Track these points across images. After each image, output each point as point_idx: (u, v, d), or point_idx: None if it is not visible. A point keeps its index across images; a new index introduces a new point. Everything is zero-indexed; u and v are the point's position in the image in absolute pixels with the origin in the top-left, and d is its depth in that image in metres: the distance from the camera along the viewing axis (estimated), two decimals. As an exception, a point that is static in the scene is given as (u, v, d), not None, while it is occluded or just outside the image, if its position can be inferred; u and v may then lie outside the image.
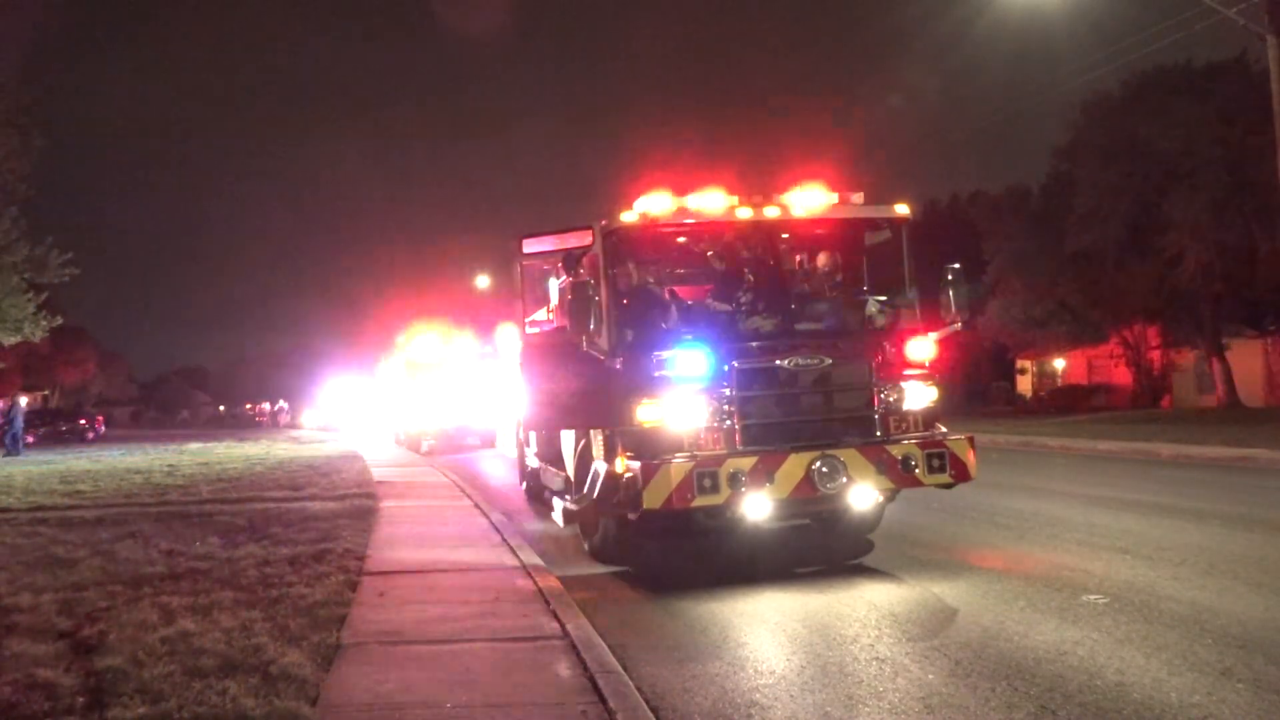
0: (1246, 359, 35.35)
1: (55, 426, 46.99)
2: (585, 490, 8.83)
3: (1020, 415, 37.76)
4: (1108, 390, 41.10)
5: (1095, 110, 33.29)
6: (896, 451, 8.02)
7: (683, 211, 8.43)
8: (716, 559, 9.20)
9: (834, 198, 8.69)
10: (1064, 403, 39.84)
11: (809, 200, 8.61)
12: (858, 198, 8.77)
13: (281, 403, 73.50)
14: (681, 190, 8.46)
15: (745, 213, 8.52)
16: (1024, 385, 47.85)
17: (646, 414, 7.97)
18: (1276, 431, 19.73)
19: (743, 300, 8.90)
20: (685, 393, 7.95)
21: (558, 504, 9.18)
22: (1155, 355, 39.28)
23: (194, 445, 33.86)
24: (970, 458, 8.26)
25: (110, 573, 8.44)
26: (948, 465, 8.12)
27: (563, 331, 9.02)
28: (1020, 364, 47.44)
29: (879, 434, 8.23)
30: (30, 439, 42.86)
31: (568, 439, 10.41)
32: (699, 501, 7.65)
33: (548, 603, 7.25)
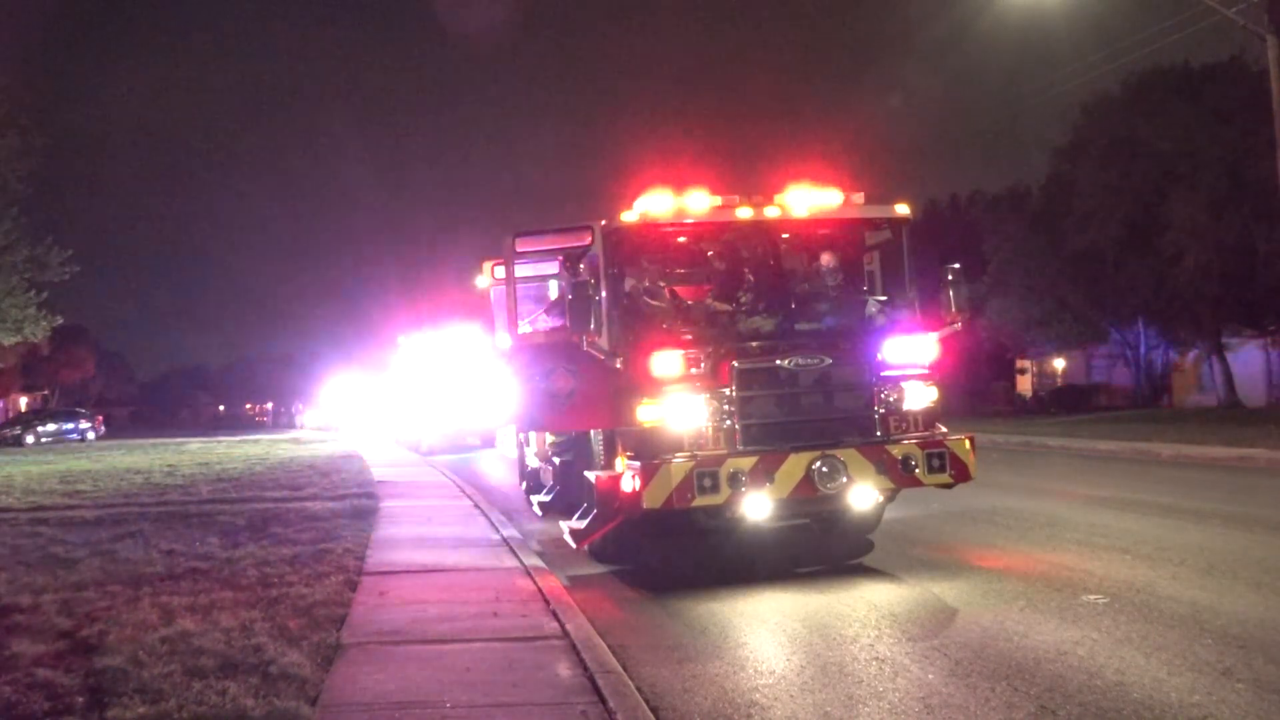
0: (1246, 359, 35.35)
1: (55, 426, 46.90)
2: (585, 504, 8.83)
3: (1020, 415, 37.75)
4: (1108, 390, 41.08)
5: (1095, 110, 33.27)
6: (896, 451, 8.01)
7: (683, 211, 8.42)
8: (716, 559, 9.19)
9: (834, 197, 8.68)
10: (1064, 402, 39.82)
11: (809, 200, 8.61)
12: (858, 198, 8.76)
13: (298, 405, 73.34)
14: (682, 190, 8.45)
15: (745, 213, 8.52)
16: (1024, 385, 47.83)
17: (646, 414, 7.96)
18: (1276, 431, 19.72)
19: (743, 300, 8.90)
20: (685, 393, 7.95)
21: (564, 525, 9.19)
22: (1155, 355, 39.27)
23: (194, 445, 33.86)
24: (970, 458, 8.25)
25: (110, 573, 8.44)
26: (948, 465, 8.12)
27: (562, 331, 9.02)
28: (1020, 364, 47.41)
29: (879, 434, 8.22)
30: (30, 440, 42.95)
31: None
32: (699, 501, 7.64)
33: (548, 603, 7.25)
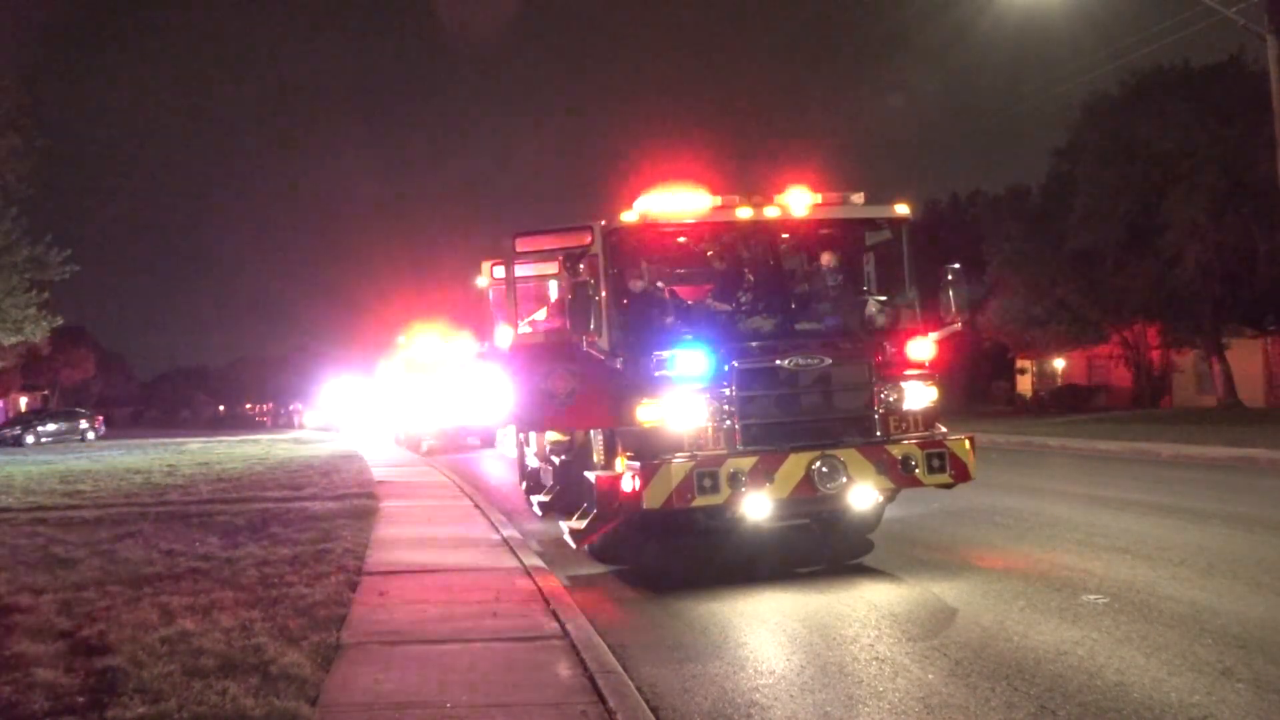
0: (1246, 359, 35.31)
1: (55, 426, 46.88)
2: (585, 504, 8.83)
3: (1020, 415, 37.73)
4: (1108, 390, 41.06)
5: (1094, 110, 33.28)
6: (896, 451, 8.01)
7: (683, 211, 8.43)
8: (716, 559, 9.20)
9: (834, 197, 8.69)
10: (1064, 402, 39.79)
11: (809, 200, 8.61)
12: (858, 198, 8.76)
13: (296, 404, 73.62)
14: (682, 190, 8.45)
15: (745, 213, 8.52)
16: (1024, 385, 47.80)
17: (646, 414, 7.96)
18: (1276, 431, 19.72)
19: (743, 300, 8.90)
20: (685, 393, 7.95)
21: (564, 525, 9.19)
22: (1155, 355, 39.25)
23: (194, 445, 33.86)
24: (970, 458, 8.25)
25: (110, 573, 8.44)
26: (948, 465, 8.12)
27: (562, 331, 9.02)
28: (1020, 364, 47.39)
29: (879, 434, 8.22)
30: (30, 440, 42.96)
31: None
32: (699, 501, 7.65)
33: (548, 603, 7.25)
